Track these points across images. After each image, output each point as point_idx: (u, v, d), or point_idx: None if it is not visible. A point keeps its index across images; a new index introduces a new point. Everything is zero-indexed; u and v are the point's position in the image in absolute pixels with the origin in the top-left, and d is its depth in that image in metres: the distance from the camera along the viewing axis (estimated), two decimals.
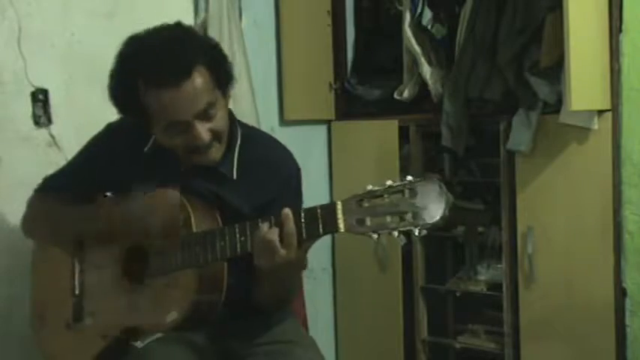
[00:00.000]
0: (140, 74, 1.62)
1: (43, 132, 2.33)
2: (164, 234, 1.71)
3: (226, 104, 1.73)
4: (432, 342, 2.99)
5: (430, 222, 1.43)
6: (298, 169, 1.85)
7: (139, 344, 1.67)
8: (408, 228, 1.44)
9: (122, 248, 1.80)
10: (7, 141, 2.26)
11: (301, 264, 1.63)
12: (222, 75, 1.69)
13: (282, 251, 1.53)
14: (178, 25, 1.75)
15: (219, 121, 1.68)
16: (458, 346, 2.91)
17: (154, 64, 1.61)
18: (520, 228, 2.62)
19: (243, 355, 1.77)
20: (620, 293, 2.43)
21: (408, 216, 1.43)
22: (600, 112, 2.42)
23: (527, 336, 2.64)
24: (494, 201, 2.79)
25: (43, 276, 1.94)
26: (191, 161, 1.72)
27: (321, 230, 1.52)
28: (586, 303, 2.49)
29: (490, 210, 2.82)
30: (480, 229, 2.84)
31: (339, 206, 1.49)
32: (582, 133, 2.45)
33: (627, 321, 2.44)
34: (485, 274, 2.85)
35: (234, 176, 1.76)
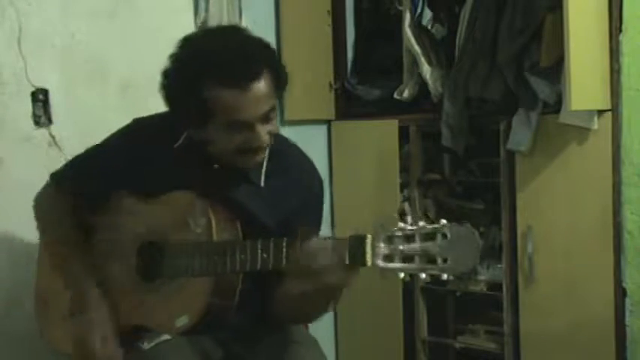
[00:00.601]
0: (208, 74, 1.60)
1: (43, 132, 2.33)
2: (182, 236, 1.70)
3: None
4: (432, 342, 2.98)
5: (460, 270, 1.42)
6: (322, 183, 1.86)
7: (145, 345, 1.67)
8: (436, 273, 1.43)
9: (136, 244, 1.79)
10: (7, 141, 2.26)
11: (337, 290, 1.59)
12: (281, 80, 1.70)
13: (324, 277, 1.51)
14: (237, 27, 1.78)
15: (275, 125, 1.70)
16: (458, 346, 2.91)
17: (223, 64, 1.60)
18: (520, 228, 2.62)
19: (249, 357, 1.77)
20: (620, 293, 2.43)
21: (438, 260, 1.43)
22: (600, 112, 2.42)
23: (527, 336, 2.64)
24: (494, 201, 2.79)
25: (50, 262, 1.92)
26: (237, 163, 1.71)
27: (347, 261, 1.51)
28: (586, 303, 2.49)
29: (490, 210, 2.82)
30: (480, 229, 2.84)
31: (368, 240, 1.47)
32: (582, 133, 2.45)
33: (627, 321, 2.44)
34: (485, 274, 2.85)
35: (262, 183, 1.76)
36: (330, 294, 1.57)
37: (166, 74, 1.67)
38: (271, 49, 1.72)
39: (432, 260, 1.43)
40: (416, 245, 1.44)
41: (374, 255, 1.47)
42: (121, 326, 1.76)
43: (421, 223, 1.46)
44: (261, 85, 1.62)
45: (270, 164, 1.77)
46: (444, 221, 1.44)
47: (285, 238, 1.57)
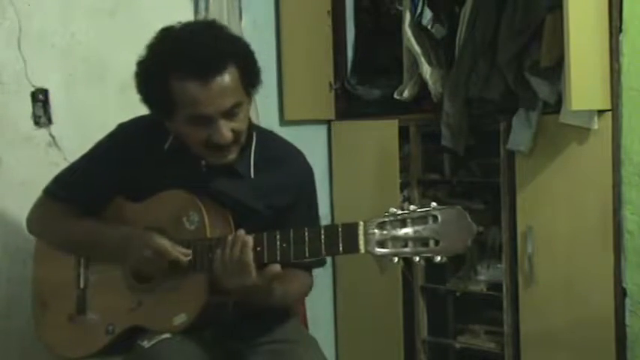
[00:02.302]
0: (172, 64, 1.62)
1: (43, 132, 2.33)
2: (177, 235, 1.70)
3: (249, 106, 1.73)
4: (432, 342, 2.99)
5: (453, 252, 1.43)
6: (312, 172, 1.86)
7: (145, 344, 1.67)
8: (429, 255, 1.44)
9: None
10: (7, 141, 2.26)
11: (256, 289, 1.61)
12: (251, 76, 1.70)
13: (237, 277, 1.57)
14: (213, 22, 1.77)
15: (241, 122, 1.69)
16: (458, 346, 2.91)
17: (187, 56, 1.61)
18: (520, 228, 2.62)
19: (248, 354, 1.77)
20: (620, 293, 2.43)
21: (431, 243, 1.43)
22: (600, 112, 2.42)
23: (527, 336, 2.64)
24: (494, 201, 2.79)
25: (48, 264, 1.92)
26: (209, 158, 1.71)
27: (341, 249, 1.51)
28: (586, 303, 2.49)
29: (490, 210, 2.82)
30: (480, 229, 2.84)
31: (361, 227, 1.48)
32: (582, 133, 2.45)
33: (627, 321, 2.44)
34: (485, 274, 2.85)
35: (252, 175, 1.76)
36: (250, 293, 1.61)
37: (139, 63, 1.69)
38: (243, 44, 1.72)
39: (424, 243, 1.43)
40: (408, 229, 1.45)
41: (367, 242, 1.47)
42: (120, 328, 1.77)
43: (412, 207, 1.46)
44: (225, 80, 1.61)
45: (258, 156, 1.77)
46: (434, 204, 1.45)
47: (277, 231, 1.59)
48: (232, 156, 1.71)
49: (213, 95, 1.61)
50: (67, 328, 1.85)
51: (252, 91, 1.72)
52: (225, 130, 1.64)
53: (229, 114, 1.65)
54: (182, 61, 1.61)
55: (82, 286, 1.85)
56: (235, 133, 1.67)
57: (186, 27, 1.69)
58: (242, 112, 1.68)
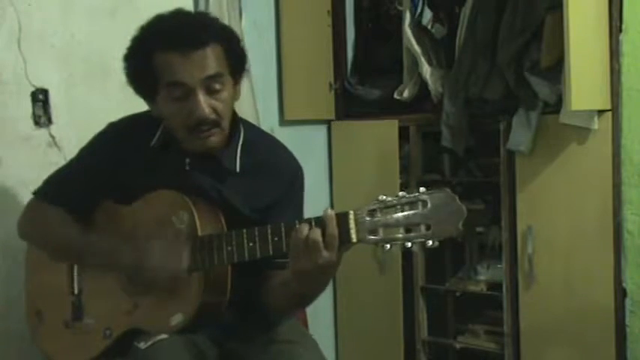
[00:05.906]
0: (156, 40, 1.67)
1: (43, 132, 2.33)
2: (168, 235, 1.70)
3: (234, 92, 1.74)
4: (432, 342, 2.99)
5: (444, 235, 1.43)
6: (301, 171, 1.85)
7: (142, 345, 1.67)
8: (421, 240, 1.44)
9: None
10: (7, 141, 2.26)
11: (337, 266, 1.58)
12: (235, 60, 1.72)
13: (325, 253, 1.50)
14: (203, 11, 1.84)
15: (223, 103, 1.69)
16: (458, 346, 2.91)
17: (171, 32, 1.66)
18: (520, 228, 2.63)
19: (246, 355, 1.77)
20: (620, 293, 2.44)
21: (422, 228, 1.43)
22: (600, 112, 2.42)
23: (527, 336, 2.65)
24: (494, 201, 2.79)
25: (40, 272, 1.92)
26: (192, 143, 1.70)
27: None
28: (586, 303, 2.49)
29: (490, 210, 2.82)
30: (480, 229, 2.84)
31: (352, 216, 1.48)
32: (582, 133, 2.45)
33: (627, 321, 2.44)
34: (485, 274, 2.85)
35: (237, 169, 1.75)
36: (329, 270, 1.56)
37: (127, 47, 1.73)
38: (229, 28, 1.77)
39: (415, 229, 1.43)
40: (398, 216, 1.45)
41: (358, 231, 1.47)
42: (117, 331, 1.77)
43: (401, 194, 1.46)
44: (206, 54, 1.65)
45: (244, 153, 1.77)
46: (422, 189, 1.45)
47: (268, 225, 1.58)
48: (215, 139, 1.70)
49: (193, 64, 1.64)
50: (64, 335, 1.85)
51: (237, 74, 1.73)
52: (205, 104, 1.65)
53: (210, 89, 1.66)
54: (166, 36, 1.65)
55: (76, 291, 1.85)
56: (217, 113, 1.67)
57: (174, 11, 1.73)
58: (224, 91, 1.68)
